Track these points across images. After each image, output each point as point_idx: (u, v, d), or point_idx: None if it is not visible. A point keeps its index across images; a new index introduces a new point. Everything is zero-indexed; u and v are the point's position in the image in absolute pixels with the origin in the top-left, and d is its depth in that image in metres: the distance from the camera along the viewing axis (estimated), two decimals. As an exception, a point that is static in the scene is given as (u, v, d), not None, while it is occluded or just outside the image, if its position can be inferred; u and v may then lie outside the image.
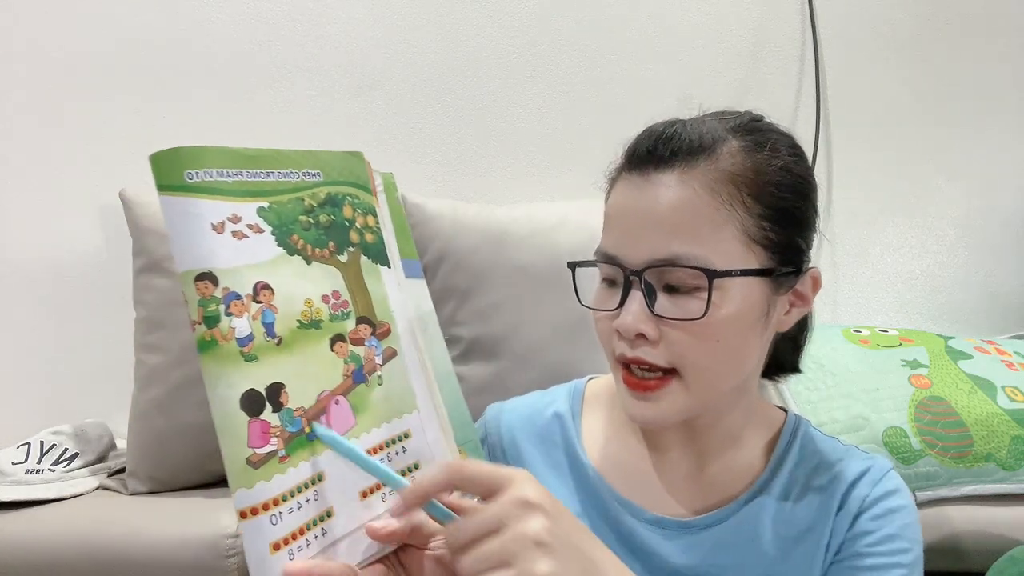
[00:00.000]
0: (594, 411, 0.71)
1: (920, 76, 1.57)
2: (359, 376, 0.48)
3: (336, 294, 0.48)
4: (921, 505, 1.09)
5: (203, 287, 0.42)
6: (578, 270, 0.65)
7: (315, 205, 0.48)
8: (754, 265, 0.56)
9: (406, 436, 0.50)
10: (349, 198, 0.51)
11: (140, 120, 1.48)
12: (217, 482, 1.24)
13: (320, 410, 0.45)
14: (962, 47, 1.57)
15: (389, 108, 1.53)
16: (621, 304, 0.57)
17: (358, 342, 0.49)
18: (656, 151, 0.57)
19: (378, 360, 0.50)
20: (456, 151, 1.55)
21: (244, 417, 0.42)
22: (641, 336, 0.56)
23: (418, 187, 1.48)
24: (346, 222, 0.50)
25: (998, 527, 1.07)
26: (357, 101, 1.52)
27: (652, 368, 0.57)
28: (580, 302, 0.63)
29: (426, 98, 1.53)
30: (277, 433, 0.43)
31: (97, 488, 1.24)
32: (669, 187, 0.56)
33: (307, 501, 0.44)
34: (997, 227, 1.61)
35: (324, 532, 0.44)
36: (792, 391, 1.19)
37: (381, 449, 0.49)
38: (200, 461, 1.22)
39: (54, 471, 1.21)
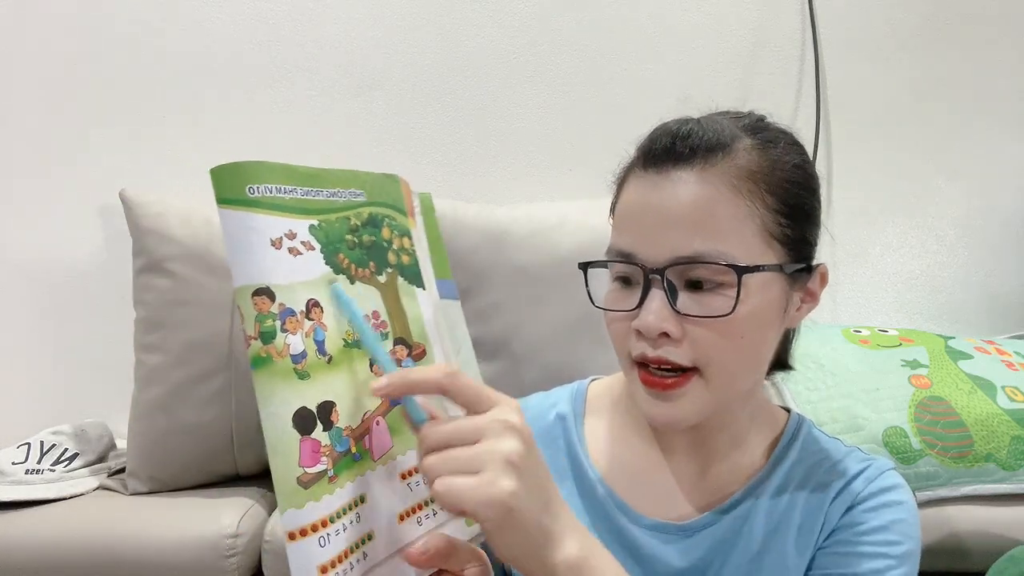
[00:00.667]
0: (597, 413, 0.71)
1: (920, 76, 1.57)
2: (395, 398, 0.47)
3: (376, 314, 0.48)
4: (921, 505, 1.09)
5: (260, 303, 0.41)
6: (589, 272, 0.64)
7: (359, 225, 0.48)
8: (774, 261, 0.57)
9: None
10: (387, 219, 0.51)
11: (140, 120, 1.48)
12: (217, 482, 1.24)
13: (364, 431, 0.45)
14: (962, 47, 1.57)
15: (389, 108, 1.53)
16: (640, 304, 0.56)
17: (396, 363, 0.48)
18: (675, 148, 0.56)
19: None
20: (456, 151, 1.55)
21: (296, 435, 0.41)
22: (664, 335, 0.56)
23: (418, 187, 1.47)
24: (384, 243, 0.50)
25: (998, 527, 1.07)
26: (357, 101, 1.52)
27: (674, 368, 0.57)
28: (593, 304, 0.62)
29: (426, 98, 1.53)
30: (327, 452, 0.42)
31: (97, 488, 1.24)
32: (689, 184, 0.55)
33: (351, 523, 0.43)
34: (997, 227, 1.61)
35: (365, 556, 0.43)
36: (792, 391, 1.19)
37: (416, 472, 0.48)
38: (200, 461, 1.22)
39: (54, 471, 1.21)
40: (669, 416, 0.58)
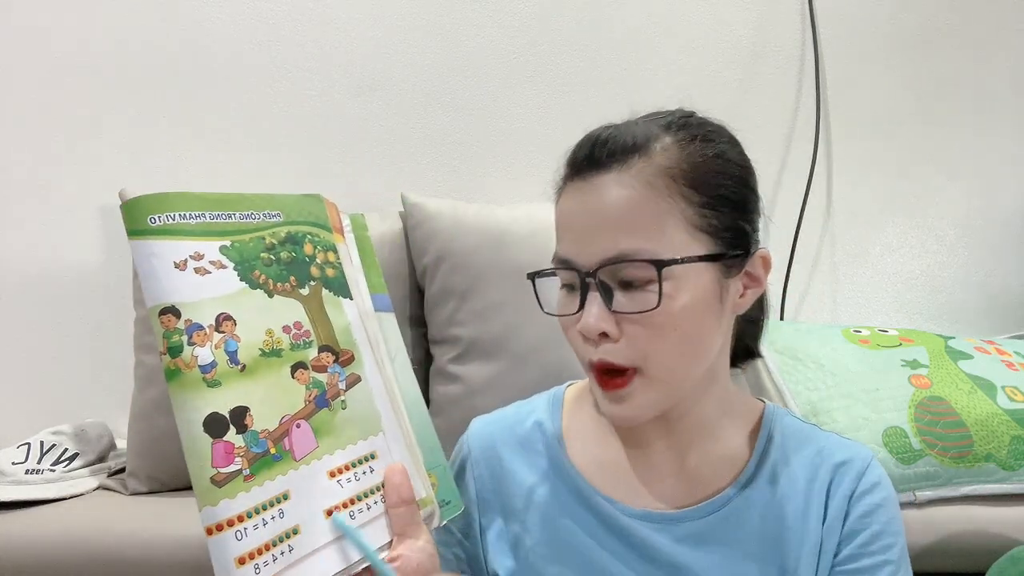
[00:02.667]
0: (574, 415, 0.73)
1: (920, 76, 1.57)
2: (322, 401, 0.51)
3: (298, 324, 0.52)
4: (921, 505, 1.09)
5: (167, 320, 0.46)
6: (538, 282, 0.67)
7: (276, 243, 0.53)
8: (700, 252, 0.58)
9: (372, 457, 0.53)
10: (309, 236, 0.55)
11: (140, 120, 1.48)
12: (217, 482, 1.24)
13: (283, 433, 0.48)
14: (962, 47, 1.57)
15: (389, 108, 1.53)
16: (581, 307, 0.59)
17: (320, 369, 0.52)
18: (593, 155, 0.60)
19: (341, 386, 0.53)
20: (456, 151, 1.55)
21: (208, 439, 0.45)
22: (603, 336, 0.58)
23: (418, 187, 1.48)
24: (307, 258, 0.55)
25: (998, 527, 1.07)
26: (357, 101, 1.52)
27: (617, 369, 0.59)
28: (543, 310, 0.65)
29: (426, 98, 1.53)
30: (242, 453, 0.46)
31: (97, 488, 1.24)
32: (609, 187, 0.58)
33: (272, 519, 0.46)
34: (997, 227, 1.61)
35: (291, 548, 0.46)
36: (792, 391, 1.19)
37: (348, 469, 0.51)
38: (200, 461, 1.22)
39: (54, 471, 1.21)
40: (623, 414, 0.61)
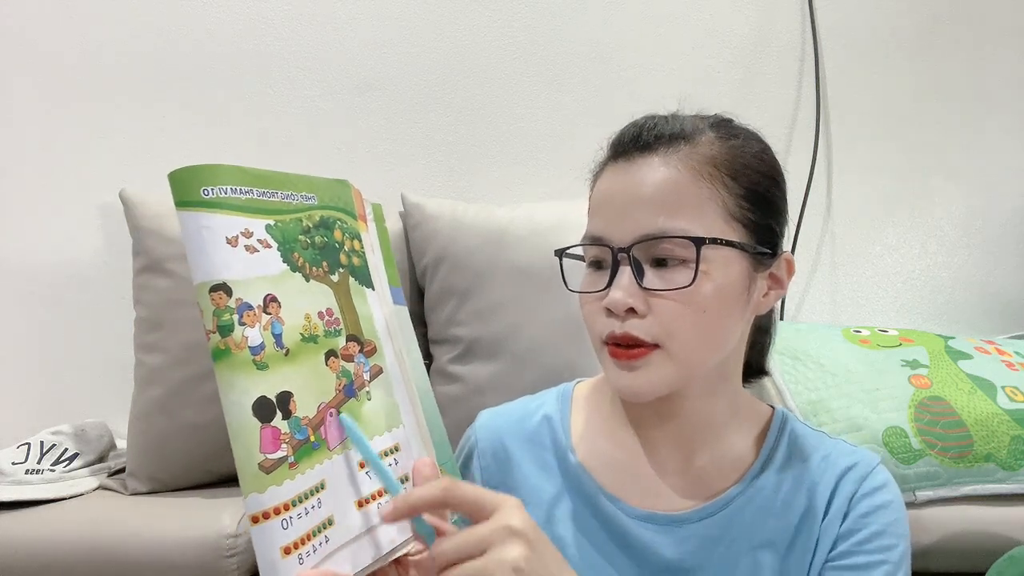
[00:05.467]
0: (582, 411, 0.73)
1: (920, 76, 1.57)
2: (350, 391, 0.50)
3: (330, 311, 0.50)
4: (921, 505, 1.09)
5: (218, 298, 0.43)
6: (565, 267, 0.67)
7: (311, 226, 0.51)
8: (735, 240, 0.60)
9: (396, 449, 0.52)
10: (339, 223, 0.54)
11: (140, 120, 1.48)
12: (217, 482, 1.24)
13: (320, 421, 0.47)
14: (962, 47, 1.57)
15: (389, 108, 1.53)
16: (609, 283, 0.60)
17: (348, 358, 0.50)
18: (640, 138, 0.61)
19: (366, 376, 0.52)
20: (456, 151, 1.55)
21: (256, 423, 0.43)
22: (631, 311, 0.59)
23: (418, 187, 1.48)
24: (336, 244, 0.53)
25: (998, 527, 1.07)
26: (357, 101, 1.52)
27: (639, 343, 0.59)
28: (567, 287, 0.65)
29: (426, 98, 1.53)
30: (287, 440, 0.44)
31: (97, 488, 1.24)
32: (655, 168, 0.60)
33: (312, 508, 0.45)
34: (997, 227, 1.61)
35: (327, 540, 0.45)
36: (792, 391, 1.19)
37: None
38: (200, 461, 1.22)
39: (54, 471, 1.21)
40: (634, 385, 0.61)
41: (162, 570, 1.05)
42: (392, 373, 0.54)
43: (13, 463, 1.20)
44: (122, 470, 1.29)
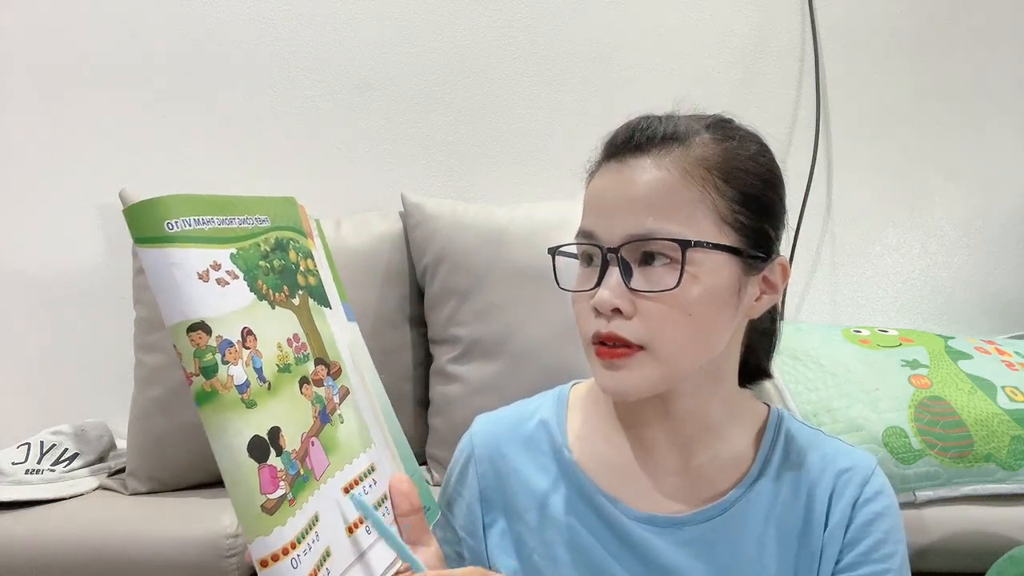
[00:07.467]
0: (579, 413, 0.72)
1: (920, 76, 1.57)
2: (324, 416, 0.48)
3: (296, 337, 0.48)
4: (921, 505, 1.09)
5: (197, 338, 0.40)
6: (559, 266, 0.66)
7: (268, 250, 0.48)
8: (725, 244, 0.59)
9: (372, 470, 0.51)
10: (292, 243, 0.51)
11: (140, 120, 1.48)
12: (217, 482, 1.23)
13: (304, 451, 0.45)
14: (962, 48, 1.57)
15: (389, 108, 1.53)
16: (599, 283, 0.59)
17: (319, 383, 0.49)
18: (633, 139, 0.61)
19: (336, 399, 0.50)
20: (456, 151, 1.55)
21: (254, 464, 0.41)
22: (617, 311, 0.59)
23: (418, 187, 1.48)
24: (293, 266, 0.51)
25: (998, 527, 1.07)
26: (357, 101, 1.52)
27: (624, 343, 0.59)
28: (559, 285, 0.65)
29: (426, 98, 1.53)
30: (283, 477, 0.43)
31: (97, 488, 1.24)
32: (645, 169, 0.59)
33: (313, 542, 0.44)
34: (997, 227, 1.61)
35: (328, 572, 0.44)
36: (792, 391, 1.19)
37: (356, 484, 0.49)
38: (200, 461, 1.22)
39: (54, 471, 1.21)
40: (618, 385, 0.60)
41: (162, 570, 1.05)
42: (358, 392, 0.53)
43: (13, 463, 1.20)
44: (122, 470, 1.29)
